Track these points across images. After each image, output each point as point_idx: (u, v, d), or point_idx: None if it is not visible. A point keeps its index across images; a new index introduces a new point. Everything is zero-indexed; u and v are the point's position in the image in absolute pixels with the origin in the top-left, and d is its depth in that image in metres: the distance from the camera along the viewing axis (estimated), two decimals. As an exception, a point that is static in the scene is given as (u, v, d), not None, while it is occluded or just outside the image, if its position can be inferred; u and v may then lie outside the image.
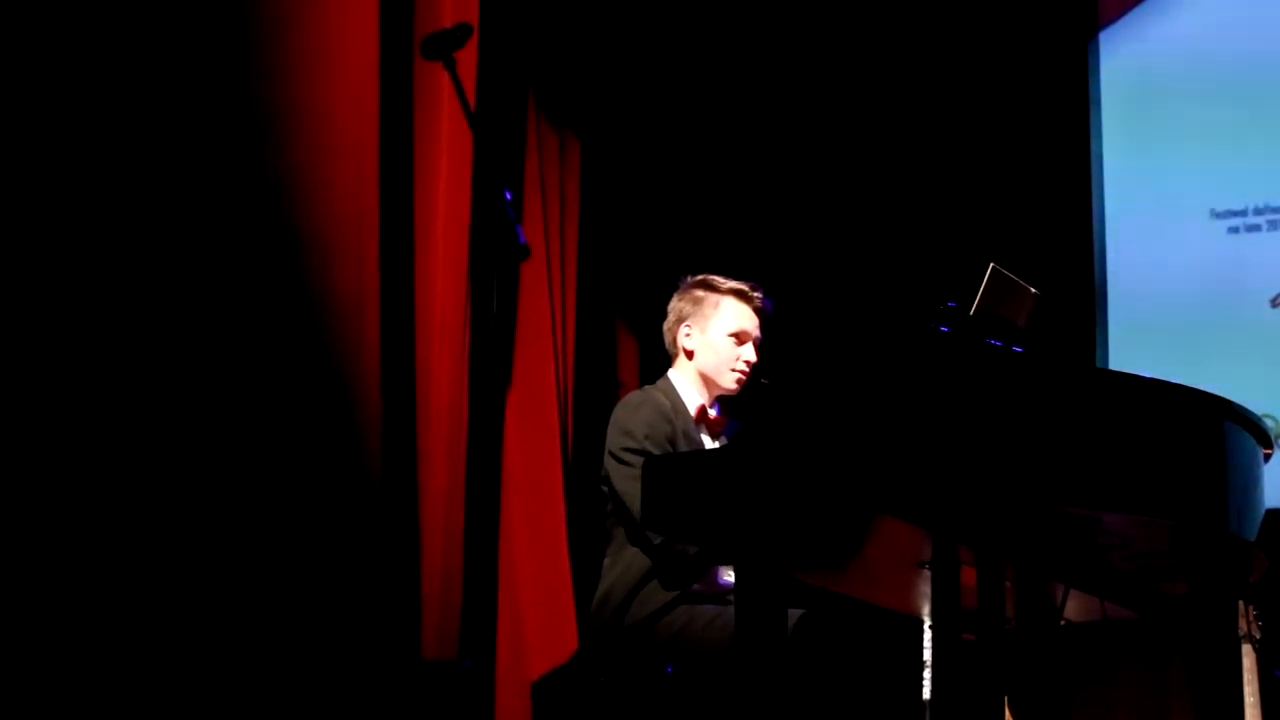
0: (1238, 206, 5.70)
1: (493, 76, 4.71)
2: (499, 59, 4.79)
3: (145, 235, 3.40)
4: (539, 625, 4.87)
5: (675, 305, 4.20)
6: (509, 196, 3.28)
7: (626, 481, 3.89)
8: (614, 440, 4.03)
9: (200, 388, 3.48)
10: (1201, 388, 2.98)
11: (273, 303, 3.70)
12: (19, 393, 3.11)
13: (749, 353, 4.12)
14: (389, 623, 4.02)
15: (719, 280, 4.17)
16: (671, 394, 4.11)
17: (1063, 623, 3.60)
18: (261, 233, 3.70)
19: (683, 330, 4.16)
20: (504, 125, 4.94)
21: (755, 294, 4.16)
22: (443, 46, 3.38)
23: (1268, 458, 3.18)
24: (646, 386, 4.20)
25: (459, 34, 3.39)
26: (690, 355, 4.15)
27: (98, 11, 3.33)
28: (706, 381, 4.14)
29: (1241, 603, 4.44)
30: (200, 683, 3.38)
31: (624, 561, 3.96)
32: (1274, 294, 5.61)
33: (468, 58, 4.30)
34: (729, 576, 3.91)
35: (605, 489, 4.04)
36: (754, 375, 4.12)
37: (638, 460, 3.71)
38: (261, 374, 3.64)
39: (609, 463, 4.02)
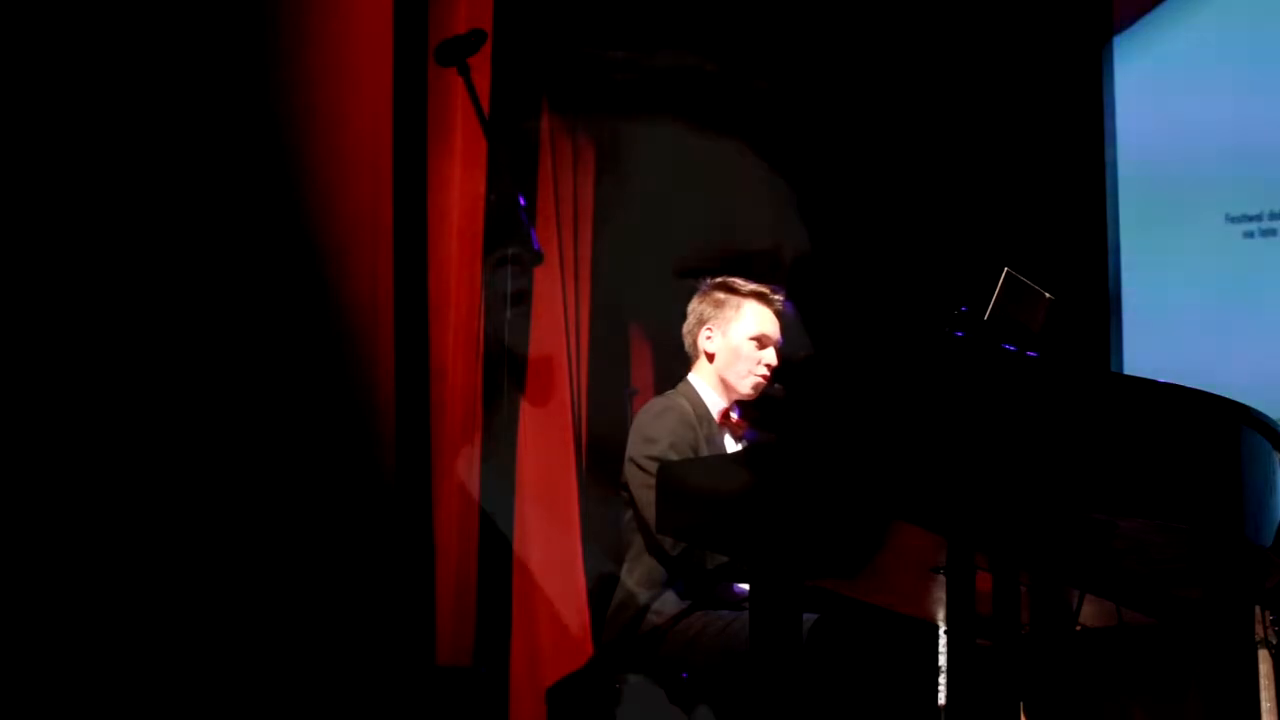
0: (1253, 211, 5.68)
1: (506, 82, 4.71)
2: (513, 64, 4.79)
3: (162, 240, 3.41)
4: (553, 631, 4.86)
5: (696, 307, 4.19)
6: (523, 201, 3.28)
7: (647, 490, 3.87)
8: (636, 448, 4.00)
9: (213, 392, 3.49)
10: (1217, 393, 2.97)
11: (287, 309, 3.70)
12: (30, 401, 3.12)
13: (769, 356, 4.10)
14: (404, 628, 4.02)
15: (740, 283, 4.16)
16: (693, 398, 4.09)
17: (1078, 628, 3.59)
18: (276, 238, 3.71)
19: (703, 333, 4.15)
20: (518, 130, 4.94)
21: (776, 297, 4.16)
22: (457, 52, 3.40)
23: (1284, 464, 3.17)
24: (668, 392, 4.18)
25: (473, 40, 3.41)
26: (710, 358, 4.14)
27: (116, 22, 3.34)
28: (725, 384, 4.13)
29: (1257, 608, 4.42)
30: (216, 688, 3.38)
31: (643, 568, 3.95)
32: (1290, 298, 5.59)
33: (482, 63, 4.31)
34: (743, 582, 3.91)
35: (625, 495, 4.03)
36: (771, 380, 4.11)
37: (661, 468, 3.70)
38: (276, 379, 3.65)
39: (630, 470, 4.00)
